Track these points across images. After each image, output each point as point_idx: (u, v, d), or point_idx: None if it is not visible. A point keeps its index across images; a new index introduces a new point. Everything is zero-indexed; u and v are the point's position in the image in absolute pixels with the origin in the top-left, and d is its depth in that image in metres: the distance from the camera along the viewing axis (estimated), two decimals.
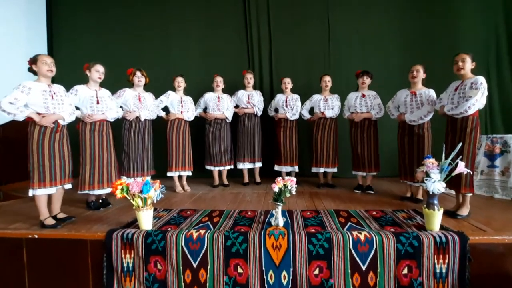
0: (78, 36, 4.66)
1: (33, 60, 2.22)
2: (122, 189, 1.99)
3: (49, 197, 2.35)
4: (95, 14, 4.66)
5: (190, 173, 3.60)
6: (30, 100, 2.16)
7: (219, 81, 3.69)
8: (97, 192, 2.67)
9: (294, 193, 2.10)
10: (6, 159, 3.87)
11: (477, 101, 2.24)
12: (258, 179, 3.91)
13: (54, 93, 2.28)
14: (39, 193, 2.22)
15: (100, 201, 2.80)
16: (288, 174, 3.82)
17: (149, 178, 2.11)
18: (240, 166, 3.84)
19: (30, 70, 2.26)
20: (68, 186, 2.43)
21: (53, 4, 4.75)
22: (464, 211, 2.32)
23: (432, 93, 2.79)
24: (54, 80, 2.40)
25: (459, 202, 2.44)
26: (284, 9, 4.40)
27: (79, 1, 4.69)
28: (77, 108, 2.64)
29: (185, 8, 4.53)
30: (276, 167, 3.84)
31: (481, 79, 2.26)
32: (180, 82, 3.51)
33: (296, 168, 3.77)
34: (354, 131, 3.36)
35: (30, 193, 2.21)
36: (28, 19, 4.43)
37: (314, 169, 3.64)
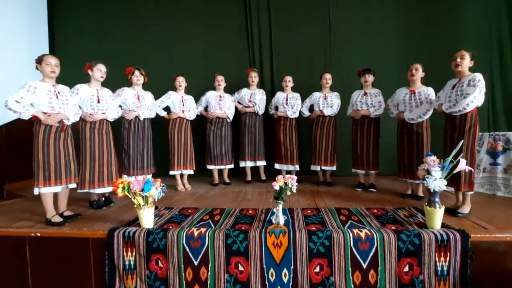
0: (79, 36, 4.66)
1: (39, 60, 2.27)
2: (123, 188, 2.00)
3: (55, 195, 2.38)
4: (96, 14, 4.66)
5: (192, 172, 3.61)
6: (36, 100, 2.20)
7: (220, 80, 3.69)
8: (98, 190, 2.67)
9: (294, 191, 2.11)
10: (9, 158, 3.90)
11: (475, 98, 2.23)
12: (263, 177, 3.92)
13: (59, 93, 2.32)
14: (44, 191, 2.25)
15: (103, 199, 2.84)
16: (289, 172, 3.81)
17: (150, 176, 2.12)
18: (242, 164, 3.85)
19: (38, 68, 2.31)
20: (74, 185, 2.45)
21: (54, 4, 4.76)
22: (465, 209, 2.31)
23: (431, 91, 2.79)
24: (56, 80, 2.40)
25: (458, 199, 2.43)
26: (284, 7, 4.39)
27: (80, 1, 4.70)
28: (79, 107, 2.65)
29: (186, 7, 4.52)
30: (277, 166, 3.83)
31: (479, 76, 2.26)
32: (181, 81, 3.51)
33: (297, 167, 3.77)
34: (355, 129, 3.37)
35: (36, 191, 2.23)
36: (29, 19, 4.44)
37: (313, 167, 3.64)
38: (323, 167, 3.60)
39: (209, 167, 3.76)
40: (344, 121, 3.68)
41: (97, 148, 2.66)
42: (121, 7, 4.62)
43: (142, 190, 1.98)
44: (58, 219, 2.26)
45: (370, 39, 4.27)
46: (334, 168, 3.62)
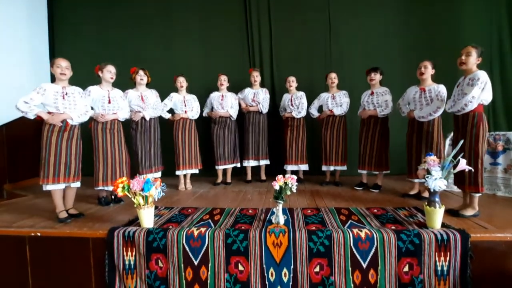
0: (79, 35, 4.68)
1: (51, 64, 2.37)
2: (123, 187, 2.00)
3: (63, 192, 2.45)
4: (96, 13, 4.67)
5: (197, 171, 3.62)
6: (44, 100, 2.31)
7: (223, 80, 3.71)
8: (110, 188, 2.74)
9: (294, 191, 2.11)
10: (10, 158, 3.90)
11: (474, 97, 2.15)
12: (263, 177, 3.92)
13: (66, 94, 2.38)
14: (45, 188, 2.33)
15: (113, 197, 2.91)
16: (295, 173, 3.80)
17: (152, 176, 2.12)
18: (245, 163, 3.85)
19: (52, 71, 2.40)
20: (75, 184, 2.48)
21: (54, 3, 4.77)
22: (469, 212, 2.24)
23: (441, 88, 2.69)
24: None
25: (466, 202, 2.34)
26: (284, 7, 4.39)
27: (80, 1, 4.70)
28: (92, 108, 2.70)
29: (186, 7, 4.53)
30: (284, 166, 3.80)
31: (480, 74, 2.15)
32: (182, 81, 3.52)
33: (305, 167, 3.75)
34: (361, 129, 3.35)
35: (44, 187, 2.33)
36: (29, 19, 4.45)
37: (324, 167, 3.61)
38: (335, 167, 3.57)
39: (216, 166, 3.76)
40: (351, 121, 3.66)
41: (109, 147, 2.73)
42: (122, 7, 4.63)
43: (142, 189, 1.98)
44: (63, 215, 2.32)
45: (370, 38, 4.26)
46: (344, 168, 3.59)
